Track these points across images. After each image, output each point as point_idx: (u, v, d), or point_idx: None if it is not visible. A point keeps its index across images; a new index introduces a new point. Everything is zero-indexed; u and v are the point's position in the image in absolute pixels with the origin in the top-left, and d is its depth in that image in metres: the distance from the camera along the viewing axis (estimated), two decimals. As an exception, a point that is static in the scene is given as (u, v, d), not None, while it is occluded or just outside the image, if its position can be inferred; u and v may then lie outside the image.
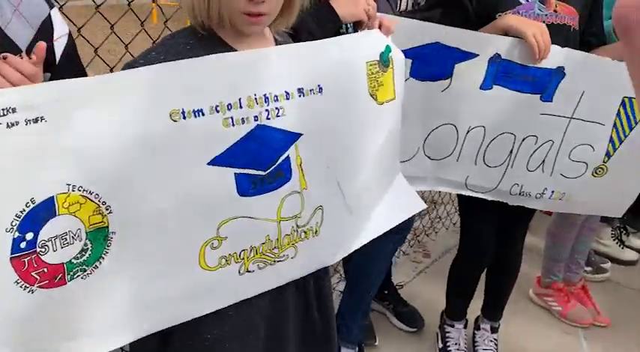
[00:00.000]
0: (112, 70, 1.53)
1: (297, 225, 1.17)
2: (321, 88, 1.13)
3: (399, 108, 1.39)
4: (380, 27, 1.37)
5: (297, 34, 1.32)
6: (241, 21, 1.05)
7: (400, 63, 1.37)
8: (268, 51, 1.09)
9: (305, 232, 1.19)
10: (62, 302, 0.91)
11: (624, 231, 2.90)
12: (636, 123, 1.66)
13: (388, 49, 1.32)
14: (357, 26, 1.46)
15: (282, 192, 1.11)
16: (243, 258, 1.10)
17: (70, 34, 1.21)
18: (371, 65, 1.27)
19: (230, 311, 1.14)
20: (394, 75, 1.34)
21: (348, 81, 1.22)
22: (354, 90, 1.23)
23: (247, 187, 1.04)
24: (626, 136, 1.70)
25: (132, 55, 1.17)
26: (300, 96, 1.10)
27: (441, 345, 2.19)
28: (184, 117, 0.93)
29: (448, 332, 2.18)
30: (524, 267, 2.11)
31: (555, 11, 1.65)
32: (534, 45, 1.53)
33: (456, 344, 2.16)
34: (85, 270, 0.92)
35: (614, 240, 2.86)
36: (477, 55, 1.58)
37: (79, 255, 0.91)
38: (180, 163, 0.96)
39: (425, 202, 1.58)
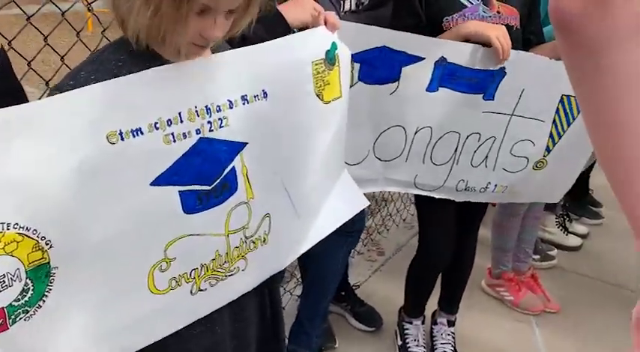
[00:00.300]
0: (47, 84, 1.45)
1: (246, 236, 1.14)
2: (265, 93, 1.09)
3: (345, 105, 1.37)
4: (325, 24, 1.34)
5: (246, 41, 1.27)
6: (190, 49, 0.98)
7: (346, 60, 1.35)
8: (208, 60, 1.03)
9: (254, 242, 1.16)
10: (6, 347, 0.84)
11: (567, 218, 2.98)
12: (574, 119, 1.72)
13: (334, 46, 1.30)
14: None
15: (228, 204, 1.07)
16: (194, 278, 1.06)
17: (1, 48, 1.12)
18: (317, 64, 1.24)
19: (194, 329, 1.10)
20: (340, 73, 1.32)
21: (294, 83, 1.18)
22: (300, 92, 1.20)
23: (193, 204, 0.99)
24: (564, 132, 1.75)
25: (68, 67, 1.09)
26: (244, 103, 1.05)
27: (400, 342, 2.19)
28: (122, 139, 0.88)
29: (407, 329, 2.18)
30: (475, 260, 2.11)
31: (499, 12, 1.69)
32: (499, 47, 1.56)
33: (415, 340, 2.16)
34: (27, 312, 0.86)
35: (558, 227, 2.92)
36: (423, 58, 1.59)
37: (19, 297, 0.84)
38: (121, 188, 0.90)
39: (375, 200, 1.58)
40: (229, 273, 1.13)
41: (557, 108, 1.69)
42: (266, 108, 1.09)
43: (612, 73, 0.53)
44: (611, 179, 0.59)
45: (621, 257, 2.76)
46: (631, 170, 0.56)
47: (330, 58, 1.28)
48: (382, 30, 1.55)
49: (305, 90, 1.21)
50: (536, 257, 2.72)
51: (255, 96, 1.07)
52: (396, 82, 1.61)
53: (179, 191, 0.96)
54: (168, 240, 0.99)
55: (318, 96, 1.25)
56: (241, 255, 1.14)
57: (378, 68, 1.57)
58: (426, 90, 1.63)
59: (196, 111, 0.96)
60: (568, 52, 0.57)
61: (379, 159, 1.74)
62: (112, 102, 0.87)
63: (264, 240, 1.18)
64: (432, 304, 2.20)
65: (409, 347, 2.16)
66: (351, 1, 1.76)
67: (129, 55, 0.97)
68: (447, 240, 1.95)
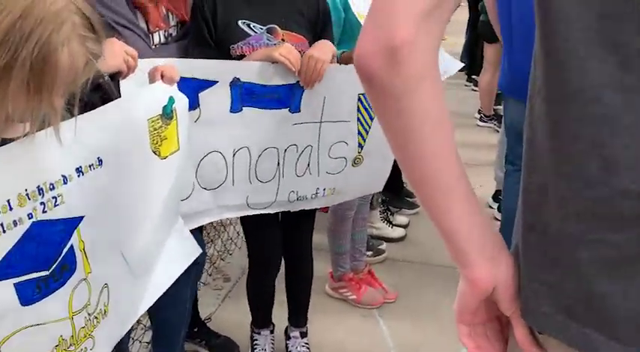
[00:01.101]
0: None
1: (89, 314, 1.11)
2: (100, 161, 1.06)
3: (184, 157, 1.38)
4: (162, 78, 1.33)
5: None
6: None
7: (184, 111, 1.36)
8: (34, 137, 0.95)
9: (96, 317, 1.13)
10: None
11: (389, 212, 3.23)
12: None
13: (171, 100, 1.31)
14: (118, 76, 1.40)
15: (70, 285, 1.03)
16: None
17: None
18: (153, 121, 1.24)
19: None
20: (178, 125, 1.33)
21: (129, 144, 1.17)
22: (136, 152, 1.19)
23: (31, 293, 0.93)
24: (370, 127, 1.95)
25: None
26: (79, 176, 1.01)
27: None
28: None
29: (256, 339, 2.27)
30: (316, 267, 2.23)
31: (283, 40, 1.80)
32: (285, 62, 1.67)
33: (262, 350, 2.23)
34: None
35: (383, 221, 3.17)
36: (216, 81, 1.66)
37: None
38: None
39: (214, 227, 1.60)
40: None
41: (358, 107, 1.88)
42: (101, 176, 1.07)
43: (410, 114, 0.64)
44: (424, 204, 0.68)
45: (440, 239, 3.08)
46: (440, 197, 0.66)
47: (168, 113, 1.28)
48: (168, 59, 1.57)
49: (141, 148, 1.20)
50: (369, 253, 2.94)
51: (90, 166, 1.04)
52: (197, 109, 1.66)
53: (14, 283, 0.89)
54: (3, 337, 0.91)
55: (154, 152, 1.25)
56: (88, 334, 1.09)
57: None
58: (230, 111, 1.70)
59: (27, 194, 0.90)
60: (375, 99, 0.67)
61: (205, 189, 1.77)
62: None
63: (104, 312, 1.15)
64: (283, 318, 2.26)
65: None
66: (160, 34, 1.76)
67: None
68: (271, 247, 2.05)
